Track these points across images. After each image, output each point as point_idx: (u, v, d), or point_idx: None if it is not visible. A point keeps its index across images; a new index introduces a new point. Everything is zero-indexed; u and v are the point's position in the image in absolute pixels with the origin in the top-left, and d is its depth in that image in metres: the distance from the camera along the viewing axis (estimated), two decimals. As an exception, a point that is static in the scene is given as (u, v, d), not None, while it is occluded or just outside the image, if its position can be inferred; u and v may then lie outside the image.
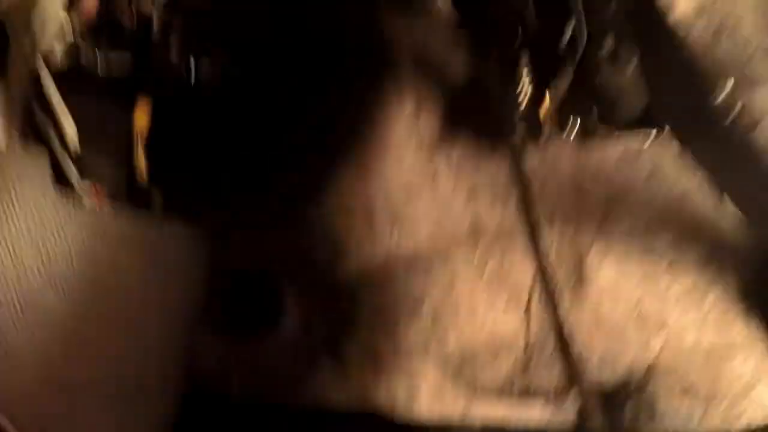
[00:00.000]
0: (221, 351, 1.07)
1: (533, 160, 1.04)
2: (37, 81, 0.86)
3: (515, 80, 0.96)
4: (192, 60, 1.03)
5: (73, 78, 0.95)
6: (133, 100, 1.04)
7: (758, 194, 0.78)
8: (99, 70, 0.98)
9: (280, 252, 1.07)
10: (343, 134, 1.07)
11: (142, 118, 1.05)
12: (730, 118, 0.70)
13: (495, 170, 1.04)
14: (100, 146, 0.99)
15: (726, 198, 0.89)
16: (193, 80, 1.03)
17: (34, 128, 0.88)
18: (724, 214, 0.99)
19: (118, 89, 1.02)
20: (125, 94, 1.04)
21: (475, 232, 1.02)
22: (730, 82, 0.70)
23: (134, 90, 1.04)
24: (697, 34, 1.02)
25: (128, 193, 1.04)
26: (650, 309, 0.98)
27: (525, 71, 0.96)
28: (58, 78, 0.90)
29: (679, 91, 0.78)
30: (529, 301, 0.99)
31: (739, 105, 0.69)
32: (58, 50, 0.91)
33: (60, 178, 0.89)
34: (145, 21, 1.01)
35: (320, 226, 1.06)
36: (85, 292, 0.81)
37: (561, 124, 1.04)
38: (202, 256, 1.01)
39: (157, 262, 0.94)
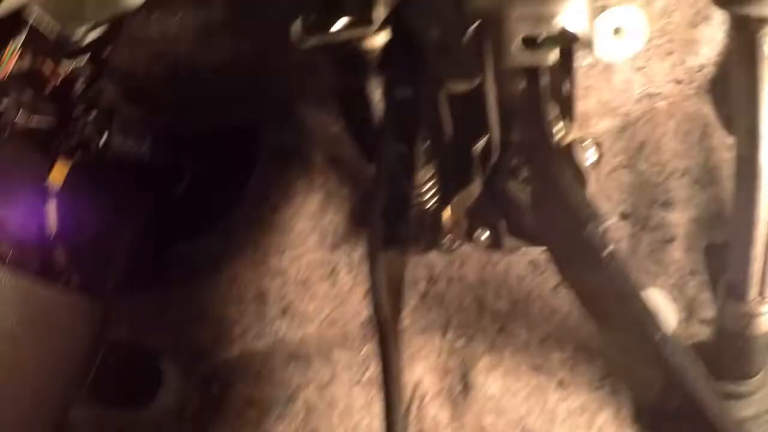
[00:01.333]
0: (97, 421, 1.04)
1: (440, 265, 1.05)
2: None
3: (420, 182, 0.96)
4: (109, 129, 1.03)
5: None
6: (51, 156, 1.04)
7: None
8: (18, 124, 0.98)
9: (166, 328, 1.06)
10: (244, 221, 1.08)
11: (57, 174, 1.05)
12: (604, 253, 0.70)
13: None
14: (11, 198, 0.98)
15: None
16: (107, 147, 1.03)
17: None
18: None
19: (36, 144, 1.03)
20: (43, 149, 1.04)
21: (365, 333, 1.01)
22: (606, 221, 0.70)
23: (52, 147, 1.04)
24: (618, 152, 1.08)
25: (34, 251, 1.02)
26: (535, 425, 0.96)
27: (430, 179, 0.96)
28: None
29: (557, 223, 0.78)
30: (407, 408, 0.97)
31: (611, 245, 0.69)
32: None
33: None
34: (69, 80, 1.02)
35: (209, 309, 1.05)
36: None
37: (470, 234, 1.03)
38: (92, 327, 0.99)
39: (43, 328, 0.92)
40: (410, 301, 1.03)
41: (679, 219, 1.04)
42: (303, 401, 0.98)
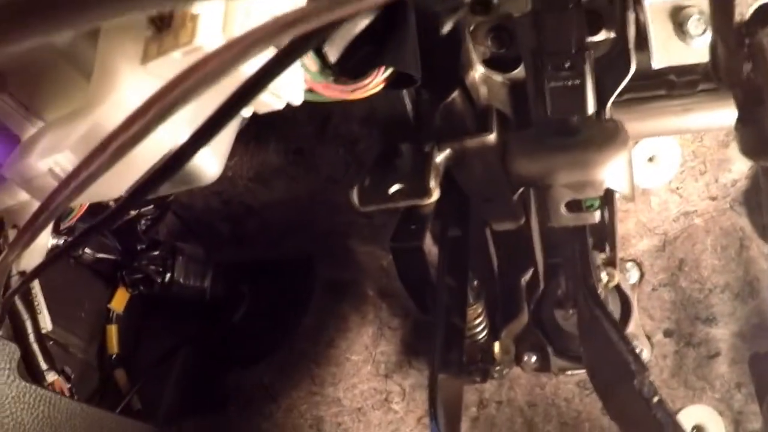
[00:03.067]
0: None
1: (490, 389, 1.08)
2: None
3: (471, 318, 1.00)
4: (172, 268, 1.08)
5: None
6: (112, 283, 1.09)
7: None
8: (85, 256, 1.03)
9: None
10: (299, 354, 1.11)
11: (119, 301, 1.09)
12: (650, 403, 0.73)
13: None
14: (73, 324, 1.02)
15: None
16: (169, 284, 1.08)
17: (13, 318, 0.92)
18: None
19: (98, 272, 1.08)
20: (105, 277, 1.09)
21: (419, 461, 1.04)
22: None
23: (114, 275, 1.09)
24: (658, 271, 1.10)
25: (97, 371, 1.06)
26: None
27: (479, 315, 0.99)
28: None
29: (603, 363, 0.81)
30: None
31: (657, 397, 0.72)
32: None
33: (28, 367, 0.93)
34: (133, 218, 1.07)
35: None
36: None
37: (518, 358, 1.07)
38: None
39: None
40: (462, 425, 1.03)
41: (722, 333, 1.07)
42: None
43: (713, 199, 1.10)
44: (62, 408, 0.88)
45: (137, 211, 1.03)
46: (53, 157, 0.53)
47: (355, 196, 0.75)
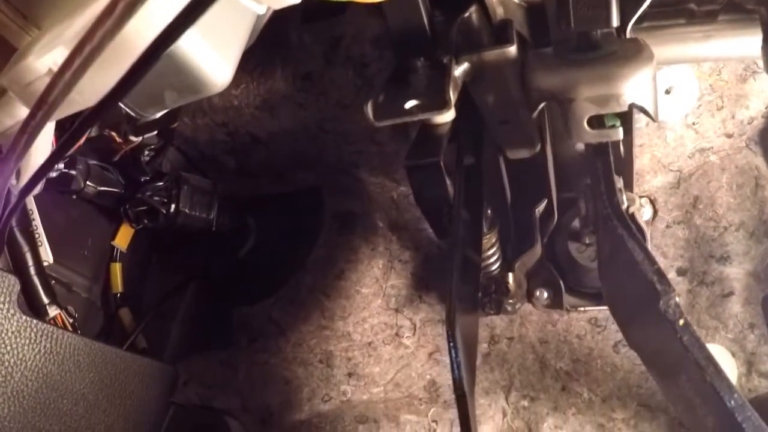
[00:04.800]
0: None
1: (501, 325, 1.06)
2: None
3: (485, 248, 0.98)
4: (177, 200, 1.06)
5: (60, 191, 0.98)
6: (117, 218, 1.07)
7: (691, 399, 0.78)
8: (87, 189, 1.01)
9: (234, 389, 1.07)
10: (309, 288, 1.09)
11: (123, 238, 1.07)
12: (676, 326, 0.71)
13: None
14: (76, 263, 1.00)
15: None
16: (174, 216, 1.05)
17: (12, 250, 0.90)
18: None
19: (103, 209, 1.06)
20: (110, 214, 1.07)
21: (430, 395, 1.02)
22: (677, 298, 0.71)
23: (119, 212, 1.06)
24: (672, 208, 1.09)
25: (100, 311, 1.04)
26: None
27: (493, 245, 0.98)
28: (45, 188, 0.90)
29: (625, 291, 0.80)
30: (477, 469, 0.97)
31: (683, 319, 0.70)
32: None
33: (29, 301, 0.90)
34: (136, 150, 1.04)
35: (276, 371, 1.06)
36: (38, 412, 0.82)
37: (530, 294, 1.06)
38: (161, 389, 1.00)
39: (114, 394, 0.94)
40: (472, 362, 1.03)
41: (736, 273, 1.05)
42: (371, 464, 0.99)
43: (729, 136, 1.08)
44: (65, 343, 0.85)
45: (140, 139, 1.00)
46: (51, 55, 0.51)
47: (369, 110, 0.72)
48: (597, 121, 0.74)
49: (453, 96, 0.72)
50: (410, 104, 0.73)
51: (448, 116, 0.78)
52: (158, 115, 0.61)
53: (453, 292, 0.76)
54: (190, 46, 0.49)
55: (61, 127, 0.68)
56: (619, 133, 0.75)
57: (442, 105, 0.71)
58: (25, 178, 0.77)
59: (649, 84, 0.74)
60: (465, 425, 0.70)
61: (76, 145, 0.92)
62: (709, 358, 0.71)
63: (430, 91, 0.74)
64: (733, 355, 1.05)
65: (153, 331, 1.09)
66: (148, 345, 1.07)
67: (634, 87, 0.73)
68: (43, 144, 0.82)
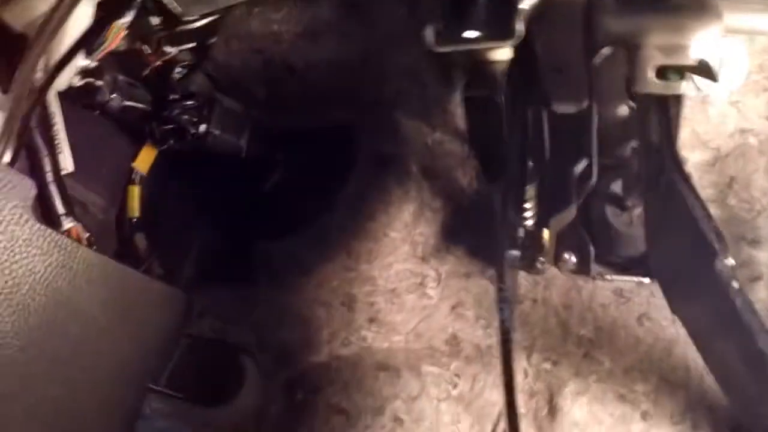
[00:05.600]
0: (174, 415, 1.03)
1: (525, 285, 1.04)
2: (43, 104, 0.83)
3: (520, 206, 0.95)
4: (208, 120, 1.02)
5: (83, 105, 0.94)
6: (139, 140, 1.03)
7: (736, 367, 0.76)
8: (112, 103, 0.97)
9: (251, 325, 1.04)
10: (336, 227, 1.06)
11: (144, 160, 1.03)
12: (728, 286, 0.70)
13: (482, 291, 1.03)
14: (94, 181, 0.96)
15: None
16: (205, 137, 1.01)
17: (30, 153, 0.84)
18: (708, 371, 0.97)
19: (127, 127, 1.01)
20: (134, 133, 1.03)
21: (452, 349, 1.00)
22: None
23: (142, 131, 1.02)
24: (707, 186, 1.06)
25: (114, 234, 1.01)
26: (619, 456, 0.95)
27: (531, 198, 0.95)
28: (68, 101, 0.87)
29: (676, 254, 0.78)
30: (494, 429, 0.95)
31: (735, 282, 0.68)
32: (74, 75, 0.88)
33: (43, 210, 0.85)
34: (167, 66, 1.00)
35: (296, 311, 1.03)
36: (44, 330, 0.78)
37: (557, 257, 1.01)
38: (175, 316, 0.97)
39: (126, 317, 0.89)
40: (494, 321, 0.99)
41: (766, 257, 1.03)
42: (391, 413, 0.96)
43: None
44: (79, 258, 0.80)
45: (174, 51, 0.96)
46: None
47: (430, 34, 0.70)
48: (662, 72, 0.72)
49: (520, 27, 0.69)
50: (473, 33, 0.71)
51: (507, 53, 0.75)
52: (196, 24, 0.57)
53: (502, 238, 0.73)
54: None
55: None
56: (686, 87, 0.73)
57: (509, 35, 0.69)
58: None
59: (715, 43, 0.72)
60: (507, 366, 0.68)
61: (107, 45, 0.87)
62: (762, 325, 0.70)
63: (494, 21, 0.72)
64: None
65: (168, 262, 1.05)
66: (164, 273, 1.03)
67: (702, 42, 0.71)
68: (74, 30, 0.78)
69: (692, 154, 1.06)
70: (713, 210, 1.03)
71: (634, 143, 0.96)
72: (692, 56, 0.72)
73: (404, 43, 0.98)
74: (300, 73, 1.06)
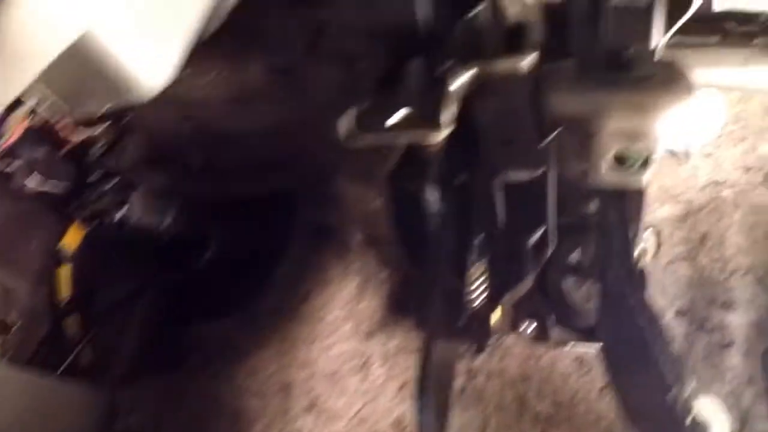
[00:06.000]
0: None
1: (480, 357, 0.98)
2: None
3: (470, 279, 0.86)
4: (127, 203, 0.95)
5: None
6: (66, 218, 0.96)
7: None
8: (30, 184, 0.89)
9: (181, 419, 0.97)
10: (272, 307, 0.99)
11: (72, 239, 0.97)
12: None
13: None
14: (17, 265, 0.90)
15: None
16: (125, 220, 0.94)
17: None
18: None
19: (49, 207, 0.94)
20: (57, 213, 0.96)
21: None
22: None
23: (67, 211, 0.96)
24: (677, 243, 1.01)
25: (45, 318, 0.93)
26: None
27: (480, 276, 0.86)
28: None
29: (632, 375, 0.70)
30: None
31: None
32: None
33: None
34: (87, 143, 0.93)
35: (228, 400, 0.97)
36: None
37: (514, 325, 0.94)
38: (97, 416, 0.91)
39: (46, 419, 0.85)
40: None
41: (739, 322, 0.97)
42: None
43: (747, 170, 1.01)
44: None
45: (89, 132, 0.88)
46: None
47: (345, 126, 0.60)
48: (622, 160, 0.63)
49: (448, 114, 0.60)
50: (395, 120, 0.61)
51: (441, 135, 0.66)
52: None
53: (432, 322, 0.66)
54: (111, 37, 0.37)
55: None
56: (643, 180, 0.64)
57: (434, 126, 0.59)
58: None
59: (686, 121, 0.63)
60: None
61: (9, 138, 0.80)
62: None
63: (423, 103, 0.62)
64: (728, 409, 0.97)
65: (101, 344, 0.98)
66: (95, 358, 0.97)
67: (671, 122, 0.62)
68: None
69: (661, 209, 1.02)
70: (683, 269, 1.01)
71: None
72: (659, 143, 0.62)
73: (341, 108, 0.89)
74: (234, 139, 0.99)
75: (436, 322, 0.66)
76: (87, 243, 0.96)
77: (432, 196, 0.69)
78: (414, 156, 0.67)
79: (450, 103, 0.60)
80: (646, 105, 0.59)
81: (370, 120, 0.61)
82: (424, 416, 0.61)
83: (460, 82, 0.62)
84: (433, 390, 0.66)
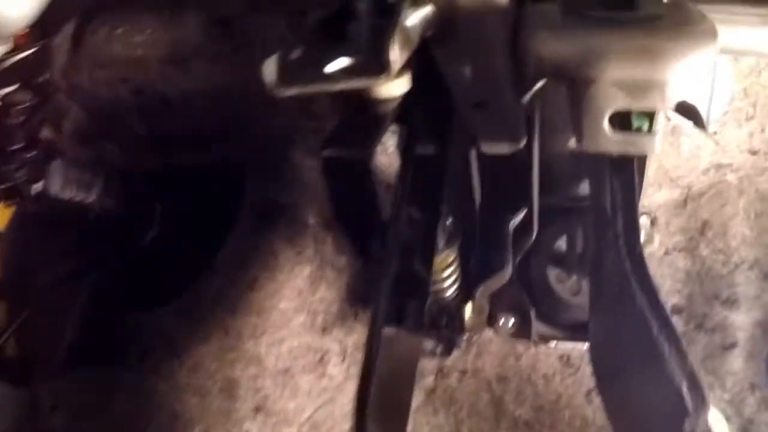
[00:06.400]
0: None
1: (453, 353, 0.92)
2: None
3: (439, 268, 0.80)
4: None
5: None
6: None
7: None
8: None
9: (110, 419, 0.92)
10: (215, 296, 0.92)
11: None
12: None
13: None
14: None
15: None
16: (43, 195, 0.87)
17: None
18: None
19: None
20: None
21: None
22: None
23: None
24: (675, 232, 0.96)
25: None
26: None
27: (450, 265, 0.80)
28: None
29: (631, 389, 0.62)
30: None
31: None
32: None
33: None
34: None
35: (165, 401, 0.91)
36: None
37: (491, 319, 0.89)
38: (13, 416, 0.89)
39: None
40: (414, 399, 0.89)
41: (742, 321, 0.93)
42: None
43: (754, 153, 0.94)
44: None
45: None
46: None
47: (270, 71, 0.49)
48: (620, 121, 0.52)
49: (398, 55, 0.49)
50: (335, 64, 0.50)
51: (394, 89, 0.56)
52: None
53: (380, 311, 0.57)
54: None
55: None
56: (654, 144, 0.53)
57: (379, 69, 0.48)
58: None
59: (707, 73, 0.52)
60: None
61: None
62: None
63: (368, 46, 0.52)
64: (728, 419, 0.94)
65: (33, 331, 0.94)
66: (20, 349, 0.93)
67: (688, 73, 0.50)
68: None
69: (658, 193, 0.96)
70: (681, 261, 0.96)
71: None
72: (672, 97, 0.51)
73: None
74: (176, 104, 0.92)
75: (383, 319, 0.56)
76: (15, 222, 0.91)
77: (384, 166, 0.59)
78: (359, 118, 0.57)
79: (402, 40, 0.49)
80: (656, 48, 0.48)
81: (301, 67, 0.50)
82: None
83: (416, 16, 0.51)
84: (379, 414, 0.56)
